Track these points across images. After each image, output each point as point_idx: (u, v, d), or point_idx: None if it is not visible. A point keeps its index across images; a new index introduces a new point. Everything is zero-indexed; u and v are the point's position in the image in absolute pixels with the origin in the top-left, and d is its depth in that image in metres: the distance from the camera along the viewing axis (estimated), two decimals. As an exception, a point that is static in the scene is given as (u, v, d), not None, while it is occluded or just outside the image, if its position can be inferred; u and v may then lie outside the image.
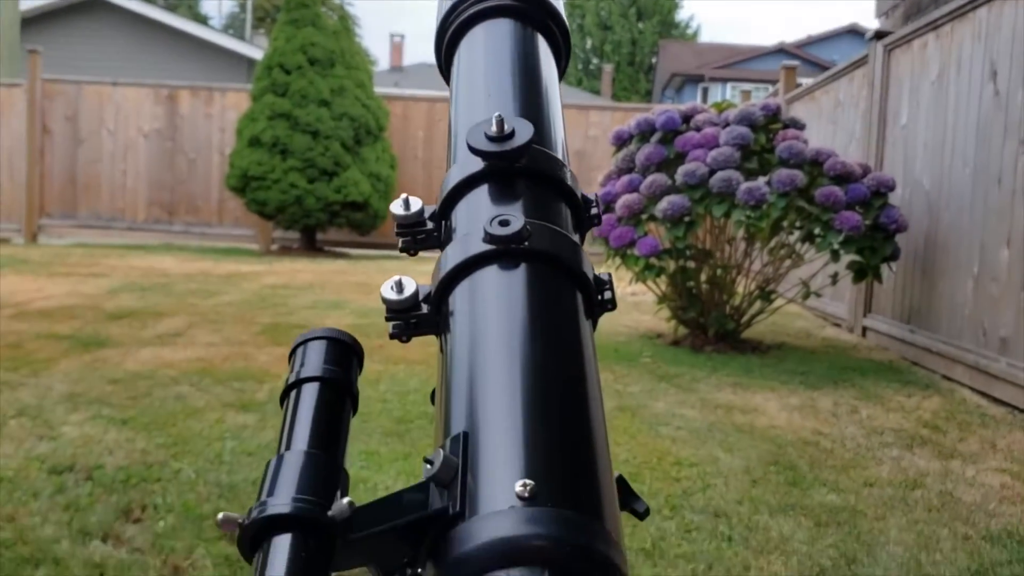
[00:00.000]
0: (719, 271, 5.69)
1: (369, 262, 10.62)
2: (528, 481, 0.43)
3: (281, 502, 0.44)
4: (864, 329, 6.34)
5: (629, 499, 0.54)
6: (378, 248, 11.84)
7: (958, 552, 2.58)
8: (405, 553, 0.45)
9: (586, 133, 11.93)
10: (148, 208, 12.37)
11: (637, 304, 7.03)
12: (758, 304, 5.71)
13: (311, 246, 11.62)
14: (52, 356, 4.60)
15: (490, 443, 0.46)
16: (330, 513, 0.44)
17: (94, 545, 2.40)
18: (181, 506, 2.67)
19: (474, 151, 0.59)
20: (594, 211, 0.64)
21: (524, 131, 0.58)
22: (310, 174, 10.65)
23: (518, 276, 0.54)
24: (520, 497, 0.42)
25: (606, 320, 6.30)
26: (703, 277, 5.71)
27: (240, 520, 0.44)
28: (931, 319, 5.30)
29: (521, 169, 0.60)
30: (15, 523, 2.52)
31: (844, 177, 5.17)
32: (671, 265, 5.54)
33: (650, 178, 5.26)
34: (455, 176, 0.61)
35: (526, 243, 0.54)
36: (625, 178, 5.45)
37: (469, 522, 0.42)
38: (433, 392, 0.54)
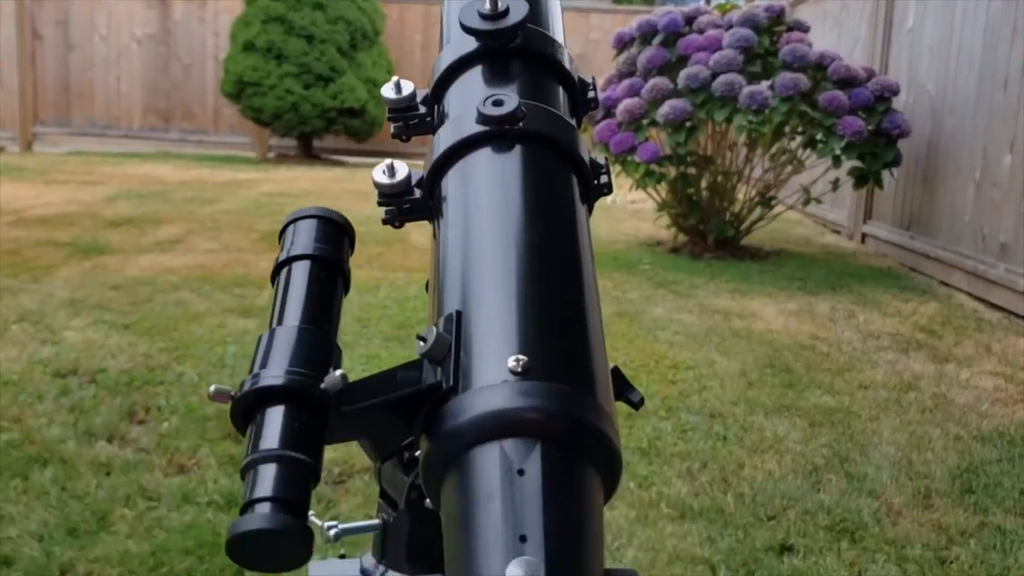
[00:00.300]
0: (720, 177, 5.65)
1: (367, 170, 10.45)
2: (521, 356, 0.43)
3: (274, 374, 0.44)
4: (863, 236, 6.33)
5: (624, 389, 0.54)
6: (376, 156, 11.68)
7: (949, 451, 2.62)
8: (399, 428, 0.46)
9: (587, 37, 11.68)
10: (143, 115, 12.21)
11: (637, 212, 7.00)
12: (758, 211, 5.69)
13: (308, 154, 11.50)
14: (52, 263, 4.60)
15: (483, 320, 0.45)
16: (323, 385, 0.44)
17: (100, 445, 2.44)
18: (184, 408, 2.70)
19: (467, 30, 0.57)
20: (591, 94, 0.62)
21: (518, 9, 0.57)
22: (305, 80, 10.47)
23: (512, 158, 0.54)
24: (513, 372, 0.42)
25: (605, 227, 6.31)
26: (704, 184, 5.67)
27: (232, 393, 0.45)
28: (931, 225, 5.29)
29: (516, 49, 0.58)
30: (21, 424, 2.56)
31: (848, 81, 5.09)
32: (672, 171, 5.49)
33: (652, 82, 5.18)
34: (447, 57, 0.60)
35: (520, 124, 0.53)
36: (626, 82, 5.37)
37: (462, 396, 0.43)
38: (428, 283, 0.53)
